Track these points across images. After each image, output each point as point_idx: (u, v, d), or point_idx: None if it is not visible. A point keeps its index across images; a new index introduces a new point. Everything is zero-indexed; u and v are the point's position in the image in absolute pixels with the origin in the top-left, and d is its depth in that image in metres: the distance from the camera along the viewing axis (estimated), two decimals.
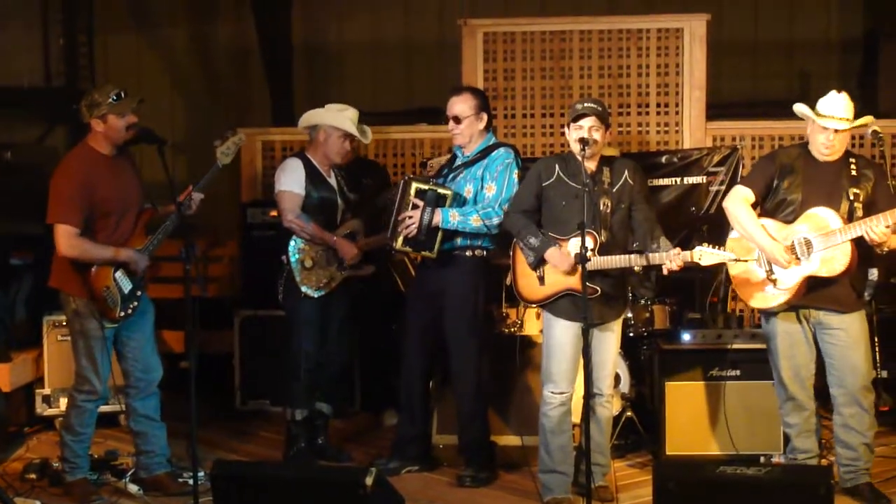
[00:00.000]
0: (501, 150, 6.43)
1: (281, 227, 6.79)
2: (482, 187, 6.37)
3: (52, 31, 10.35)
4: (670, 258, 5.65)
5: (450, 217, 6.27)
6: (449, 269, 6.39)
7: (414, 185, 6.34)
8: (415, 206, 6.30)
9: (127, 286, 5.99)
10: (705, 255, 5.58)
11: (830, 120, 5.78)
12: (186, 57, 11.33)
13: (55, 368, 7.53)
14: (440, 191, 6.34)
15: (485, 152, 6.43)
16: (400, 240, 6.37)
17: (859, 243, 5.72)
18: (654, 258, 5.72)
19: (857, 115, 5.85)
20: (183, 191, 6.06)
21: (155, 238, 6.05)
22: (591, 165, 5.85)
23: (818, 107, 5.85)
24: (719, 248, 5.60)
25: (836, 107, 5.80)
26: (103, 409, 6.30)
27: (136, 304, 6.05)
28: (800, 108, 5.97)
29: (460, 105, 6.44)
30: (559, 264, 5.81)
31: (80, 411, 6.07)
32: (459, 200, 6.37)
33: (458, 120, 6.43)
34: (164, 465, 6.30)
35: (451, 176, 6.52)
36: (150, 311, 6.28)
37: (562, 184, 5.89)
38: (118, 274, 5.96)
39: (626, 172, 5.94)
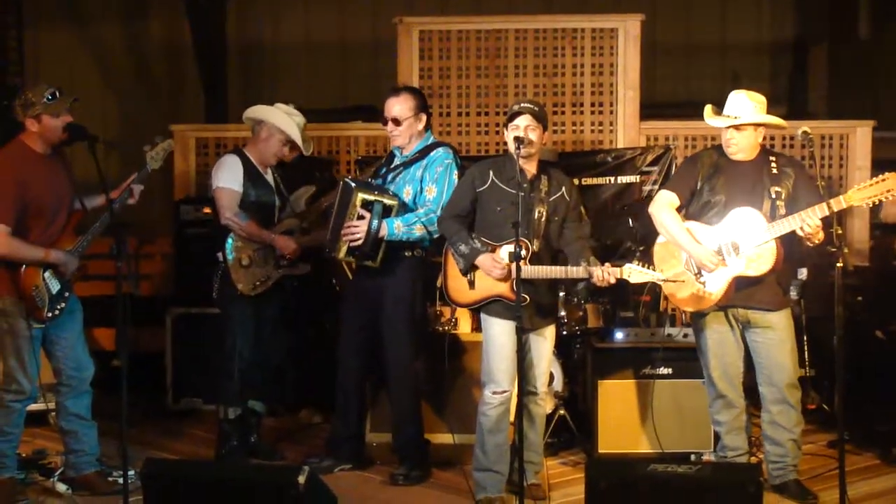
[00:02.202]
0: (440, 150, 6.39)
1: (214, 224, 6.73)
2: (422, 189, 6.33)
3: None
4: (600, 272, 5.65)
5: (395, 229, 6.20)
6: (387, 270, 6.34)
7: (360, 196, 6.19)
8: (360, 217, 6.22)
9: (55, 287, 5.92)
10: (634, 272, 5.59)
11: (721, 119, 5.89)
12: (119, 53, 11.23)
13: None
14: (387, 202, 6.23)
15: (423, 152, 6.39)
16: (343, 249, 6.30)
17: (785, 242, 5.79)
18: (585, 271, 5.70)
19: (788, 115, 5.93)
20: (115, 189, 6.02)
21: (84, 239, 5.98)
22: (529, 169, 5.85)
23: None
24: (648, 267, 5.62)
25: (729, 107, 5.91)
26: (32, 407, 6.21)
27: (63, 304, 5.97)
28: (705, 113, 6.05)
29: (399, 106, 6.37)
30: (489, 271, 5.80)
31: (9, 411, 5.97)
32: (403, 208, 6.31)
33: (397, 122, 6.37)
34: (94, 464, 6.23)
35: (389, 176, 6.48)
36: (79, 309, 6.19)
37: (496, 189, 5.87)
38: (47, 274, 5.88)
39: (564, 188, 5.94)
